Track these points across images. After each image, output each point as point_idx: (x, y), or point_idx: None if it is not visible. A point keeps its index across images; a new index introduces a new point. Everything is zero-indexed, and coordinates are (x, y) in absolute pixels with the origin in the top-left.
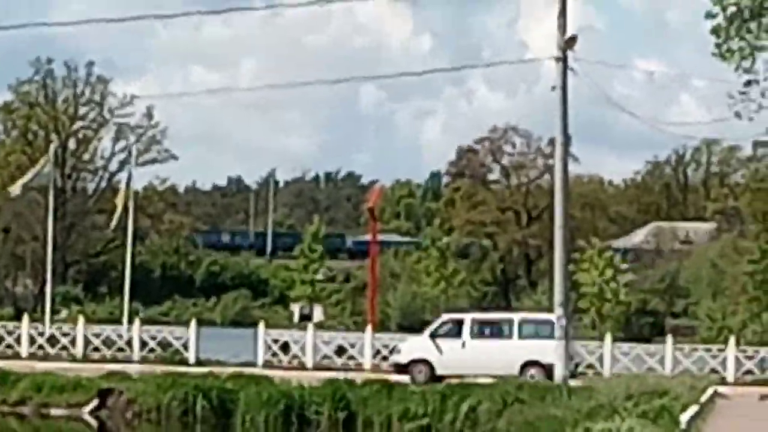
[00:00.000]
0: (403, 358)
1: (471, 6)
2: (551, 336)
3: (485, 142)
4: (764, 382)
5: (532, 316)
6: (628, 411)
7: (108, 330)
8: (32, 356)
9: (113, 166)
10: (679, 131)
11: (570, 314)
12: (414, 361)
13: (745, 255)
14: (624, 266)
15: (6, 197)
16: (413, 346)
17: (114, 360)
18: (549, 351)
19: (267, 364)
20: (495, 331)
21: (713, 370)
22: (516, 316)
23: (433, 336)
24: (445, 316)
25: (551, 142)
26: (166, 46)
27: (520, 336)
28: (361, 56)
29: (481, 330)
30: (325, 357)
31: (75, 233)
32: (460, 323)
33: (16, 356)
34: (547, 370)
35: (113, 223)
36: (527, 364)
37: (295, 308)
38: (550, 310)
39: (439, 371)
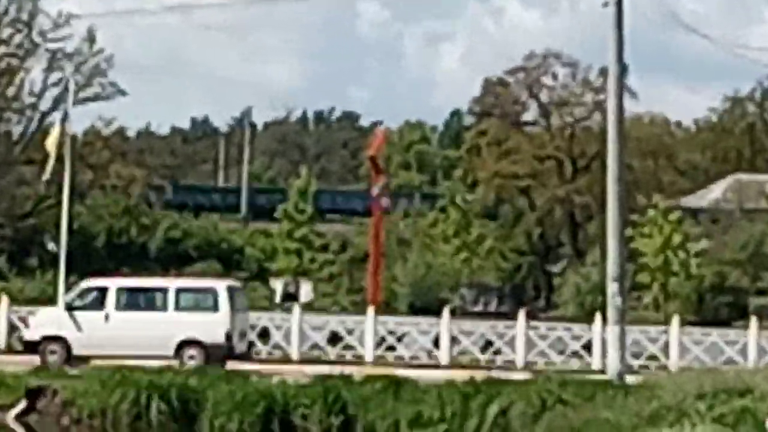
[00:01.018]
0: (32, 335)
1: None
2: (215, 308)
3: (518, 73)
4: None
5: (191, 283)
6: (700, 414)
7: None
8: None
9: (45, 104)
10: (765, 58)
11: (626, 292)
12: (46, 339)
13: None
14: (696, 230)
15: None
16: (45, 319)
17: None
18: (211, 327)
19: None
20: (147, 301)
21: None
22: (172, 284)
23: (71, 307)
24: (87, 283)
25: (602, 72)
26: None
27: (177, 308)
28: None
29: (131, 300)
30: (316, 347)
31: None
32: (104, 291)
33: None
34: (209, 351)
35: (45, 175)
36: (184, 344)
37: (277, 285)
38: (602, 284)
39: (76, 351)
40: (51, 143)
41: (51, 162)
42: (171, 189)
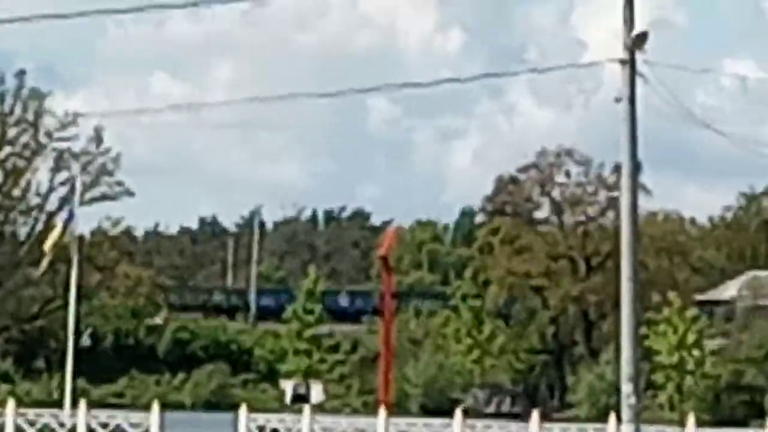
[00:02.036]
0: None
1: None
2: None
3: (531, 171)
4: None
5: None
6: None
7: (46, 416)
8: None
9: (52, 204)
10: None
11: (641, 391)
12: None
13: None
14: (711, 329)
15: None
16: None
17: None
18: None
19: None
20: None
21: None
22: None
23: None
24: None
25: (616, 169)
26: (118, 50)
27: None
28: (369, 59)
29: None
30: None
31: (2, 291)
32: None
33: None
34: None
35: (41, 268)
36: None
37: (287, 386)
38: (616, 384)
39: None
40: (49, 240)
41: (47, 257)
42: (180, 290)
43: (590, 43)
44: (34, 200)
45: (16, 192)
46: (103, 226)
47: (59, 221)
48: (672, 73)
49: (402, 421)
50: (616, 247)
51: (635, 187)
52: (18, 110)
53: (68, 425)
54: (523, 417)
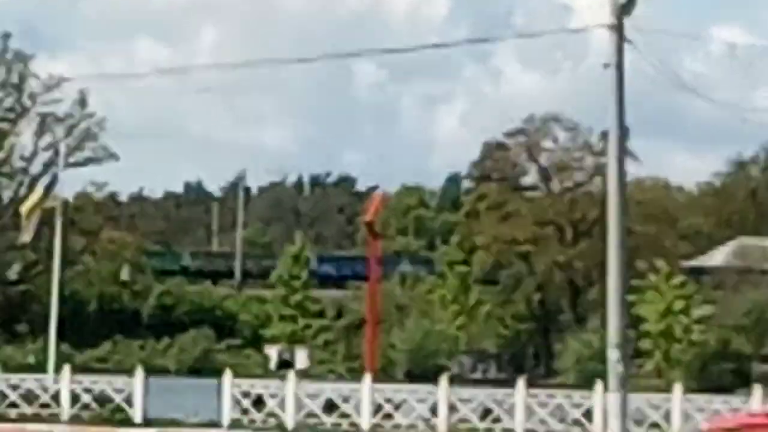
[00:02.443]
0: None
1: None
2: None
3: (518, 136)
4: None
5: None
6: None
7: (29, 380)
8: None
9: (36, 167)
10: None
11: (628, 359)
12: None
13: None
14: (699, 296)
15: None
16: None
17: (37, 419)
18: None
19: (235, 424)
20: None
21: None
22: None
23: None
24: None
25: (603, 135)
26: (103, 13)
27: None
28: (355, 24)
29: None
30: (311, 415)
31: None
32: None
33: None
34: None
35: (24, 236)
36: None
37: (272, 352)
38: (603, 351)
39: None
40: (28, 203)
41: (29, 221)
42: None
43: (578, 9)
44: (18, 164)
45: (0, 155)
46: (87, 190)
47: (41, 185)
48: (660, 39)
49: (387, 387)
50: (603, 213)
51: (623, 153)
52: (2, 73)
53: (52, 390)
54: (509, 383)
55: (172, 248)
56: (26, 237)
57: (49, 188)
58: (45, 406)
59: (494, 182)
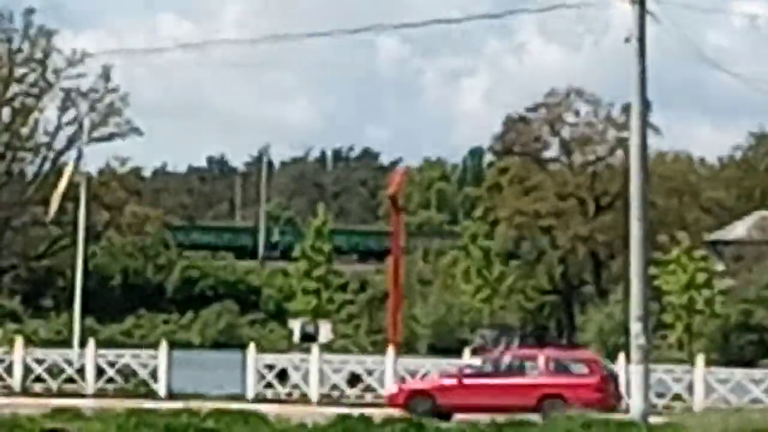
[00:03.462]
0: None
1: None
2: None
3: (540, 110)
4: None
5: None
6: None
7: (54, 355)
8: None
9: (60, 142)
10: None
11: (650, 331)
12: None
13: None
14: (721, 268)
15: None
16: None
17: (62, 393)
18: None
19: (259, 398)
20: None
21: None
22: None
23: None
24: None
25: (625, 109)
26: None
27: None
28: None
29: None
30: (335, 387)
31: (11, 230)
32: None
33: None
34: None
35: (51, 212)
36: None
37: (296, 325)
38: (625, 324)
39: None
40: (62, 181)
41: (57, 198)
42: (188, 229)
43: None
44: (42, 139)
45: (25, 130)
46: (111, 165)
47: (70, 162)
48: (682, 13)
49: (410, 361)
50: (625, 186)
51: (644, 126)
52: (26, 49)
53: (76, 364)
54: None
55: (195, 223)
56: (52, 212)
57: (76, 164)
58: (70, 380)
59: (516, 156)
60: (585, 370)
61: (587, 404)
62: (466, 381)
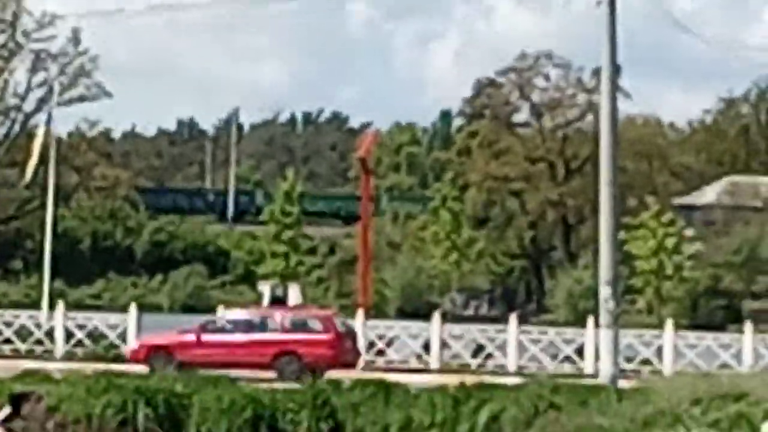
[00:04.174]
0: None
1: None
2: None
3: (510, 74)
4: None
5: None
6: (694, 419)
7: (23, 317)
8: None
9: (29, 105)
10: (762, 58)
11: (620, 296)
12: None
13: None
14: (690, 233)
15: None
16: None
17: (31, 356)
18: None
19: None
20: None
21: None
22: None
23: None
24: None
25: (596, 73)
26: None
27: None
28: None
29: None
30: None
31: None
32: None
33: None
34: None
35: (27, 176)
36: None
37: (265, 288)
38: (594, 288)
39: None
40: (35, 145)
41: (33, 162)
42: (157, 192)
43: None
44: (12, 101)
45: None
46: (80, 127)
47: (41, 126)
48: None
49: (380, 324)
50: (595, 151)
51: (614, 91)
52: None
53: (45, 327)
54: (500, 320)
55: (165, 185)
56: (28, 176)
57: (46, 125)
58: (39, 342)
59: (486, 120)
60: (320, 327)
61: (321, 361)
62: (205, 337)
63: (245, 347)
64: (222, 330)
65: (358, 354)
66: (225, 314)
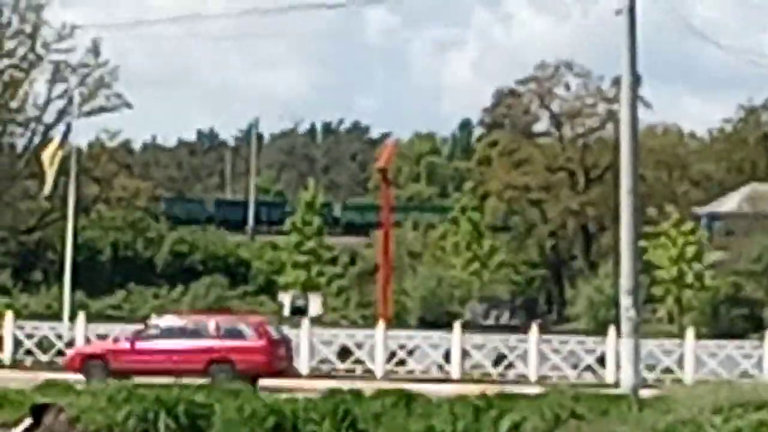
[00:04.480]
0: None
1: None
2: None
3: (530, 83)
4: None
5: None
6: (716, 428)
7: (44, 328)
8: None
9: (49, 116)
10: None
11: (640, 305)
12: None
13: None
14: (710, 242)
15: None
16: None
17: (52, 367)
18: None
19: None
20: None
21: None
22: None
23: None
24: None
25: (616, 82)
26: None
27: None
28: None
29: None
30: (325, 361)
31: (0, 204)
32: None
33: None
34: None
35: (46, 189)
36: None
37: (286, 299)
38: (615, 297)
39: None
40: (48, 155)
41: (50, 174)
42: (178, 202)
43: None
44: (32, 112)
45: (14, 104)
46: (100, 138)
47: (57, 135)
48: None
49: (401, 334)
50: (616, 160)
51: (634, 99)
52: (15, 22)
53: (66, 338)
54: (521, 330)
55: (185, 196)
56: (47, 189)
57: (64, 137)
58: (60, 353)
59: (506, 129)
60: (253, 334)
61: (254, 368)
62: (138, 345)
63: (179, 355)
64: (156, 337)
65: (291, 361)
66: (158, 322)
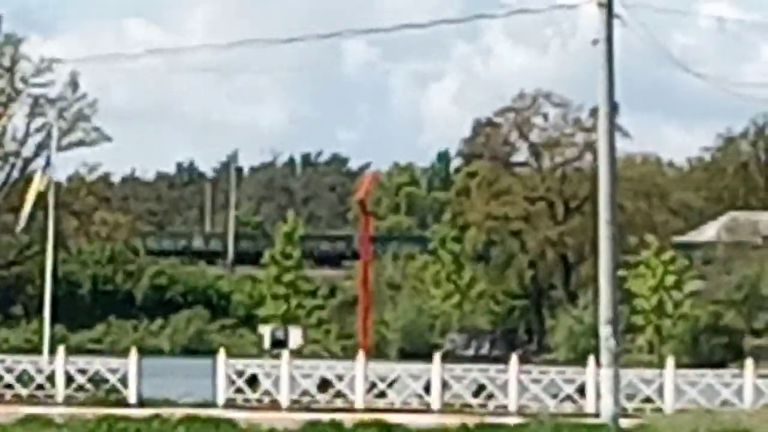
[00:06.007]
0: None
1: None
2: None
3: (508, 114)
4: None
5: None
6: None
7: (24, 362)
8: None
9: (28, 150)
10: (759, 95)
11: (620, 334)
12: None
13: None
14: (689, 271)
15: None
16: None
17: (32, 401)
18: None
19: (229, 404)
20: None
21: None
22: None
23: None
24: None
25: (593, 112)
26: None
27: None
28: (347, 2)
29: None
30: (305, 393)
31: None
32: None
33: None
34: None
35: (21, 223)
36: None
37: (266, 331)
38: (595, 327)
39: None
40: (31, 190)
41: (27, 208)
42: (157, 236)
43: None
44: (10, 146)
45: None
46: (79, 171)
47: (38, 172)
48: (649, 15)
49: (381, 365)
50: (594, 189)
51: (613, 129)
52: None
53: (47, 371)
54: (501, 360)
55: (165, 229)
56: (22, 222)
57: (43, 171)
58: (40, 387)
59: (485, 160)
60: None
61: None
62: None
63: None
64: None
65: None
66: None
